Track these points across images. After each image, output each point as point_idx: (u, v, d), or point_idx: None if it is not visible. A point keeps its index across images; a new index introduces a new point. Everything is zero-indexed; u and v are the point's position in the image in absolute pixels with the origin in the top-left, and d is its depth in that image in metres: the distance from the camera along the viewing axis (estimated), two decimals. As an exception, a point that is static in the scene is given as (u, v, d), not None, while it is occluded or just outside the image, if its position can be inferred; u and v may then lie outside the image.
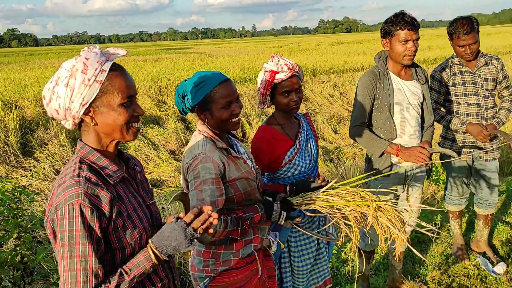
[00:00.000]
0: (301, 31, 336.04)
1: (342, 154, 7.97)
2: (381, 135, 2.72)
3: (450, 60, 3.22)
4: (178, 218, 1.29)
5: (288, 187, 2.23)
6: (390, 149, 2.63)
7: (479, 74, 3.14)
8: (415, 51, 2.60)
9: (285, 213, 1.96)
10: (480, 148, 3.20)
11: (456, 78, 3.15)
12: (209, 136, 1.85)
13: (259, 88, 2.25)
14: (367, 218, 1.93)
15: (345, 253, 3.81)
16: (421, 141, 2.78)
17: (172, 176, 7.15)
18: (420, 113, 2.78)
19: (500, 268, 3.29)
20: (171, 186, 6.88)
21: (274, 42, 67.14)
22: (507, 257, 3.49)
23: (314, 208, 2.01)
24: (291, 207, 2.01)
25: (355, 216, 1.94)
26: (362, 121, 2.71)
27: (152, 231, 1.39)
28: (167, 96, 13.36)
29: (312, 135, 2.46)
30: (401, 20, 2.55)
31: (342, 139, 9.01)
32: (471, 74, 3.14)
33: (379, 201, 1.93)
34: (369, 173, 2.69)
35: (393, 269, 3.22)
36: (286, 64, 2.18)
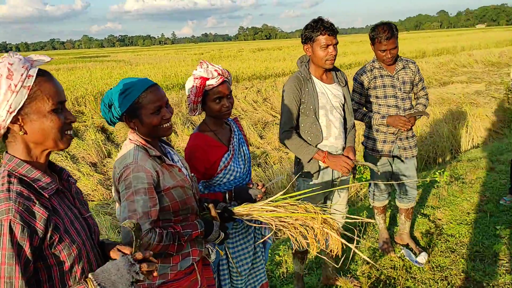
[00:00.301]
0: (222, 38, 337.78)
1: (269, 158, 8.10)
2: (308, 138, 2.78)
3: (371, 63, 3.38)
4: (124, 253, 1.23)
5: (227, 194, 2.20)
6: (317, 155, 2.72)
7: (398, 77, 3.33)
8: (335, 55, 2.70)
9: (223, 234, 1.93)
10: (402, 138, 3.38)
11: (376, 81, 3.32)
12: (140, 144, 1.77)
13: (189, 95, 2.20)
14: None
15: (278, 255, 3.86)
16: (345, 141, 2.90)
17: (95, 189, 6.81)
18: (343, 114, 2.89)
19: (423, 258, 3.50)
20: (93, 200, 6.54)
21: (195, 49, 66.83)
22: (427, 247, 3.74)
23: (256, 219, 2.00)
24: (232, 217, 1.98)
25: (298, 228, 1.94)
26: (290, 126, 2.76)
27: (91, 245, 1.31)
28: (85, 106, 12.76)
29: (244, 140, 2.46)
30: (321, 26, 2.64)
31: (268, 144, 9.15)
32: (391, 77, 3.32)
33: (323, 214, 1.96)
34: (315, 188, 2.78)
35: (326, 267, 3.31)
36: (216, 70, 2.16)
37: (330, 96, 2.81)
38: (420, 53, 27.92)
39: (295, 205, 2.00)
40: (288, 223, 1.97)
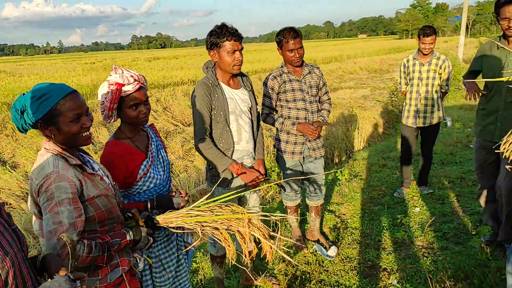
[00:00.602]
0: (114, 47, 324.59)
1: (174, 167, 7.99)
2: (221, 144, 2.83)
3: (280, 68, 3.53)
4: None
5: (149, 204, 2.15)
6: (231, 167, 2.78)
7: (305, 82, 3.51)
8: (242, 61, 2.78)
9: (151, 239, 1.89)
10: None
11: (286, 85, 3.47)
12: (58, 153, 1.66)
13: (103, 102, 2.11)
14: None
15: (195, 262, 3.84)
16: (255, 145, 3.00)
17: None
18: (251, 118, 2.98)
19: (333, 251, 3.73)
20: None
21: (85, 58, 63.48)
22: (336, 240, 3.98)
23: (181, 226, 1.97)
24: (156, 225, 1.94)
25: (223, 233, 1.96)
26: (205, 133, 2.77)
27: (22, 257, 1.22)
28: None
29: (162, 145, 2.42)
30: (226, 32, 2.68)
31: (172, 153, 9.03)
32: (299, 82, 3.49)
33: (249, 213, 2.00)
34: (242, 189, 2.79)
35: (243, 268, 3.36)
36: (132, 76, 2.10)
37: (238, 101, 2.87)
38: (311, 61, 29.65)
39: (220, 207, 2.02)
40: (214, 227, 1.98)
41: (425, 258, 3.44)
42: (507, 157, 1.82)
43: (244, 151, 2.93)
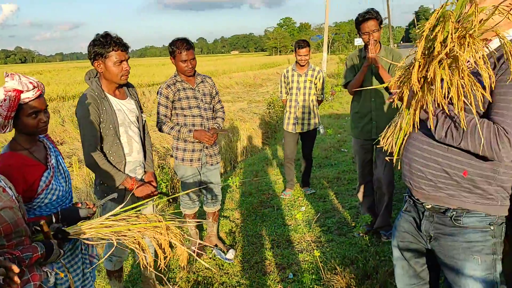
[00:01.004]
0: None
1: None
2: (111, 158, 2.79)
3: (173, 78, 3.60)
4: None
5: (53, 217, 2.04)
6: (126, 182, 2.76)
7: (199, 90, 3.63)
8: (129, 70, 2.80)
9: (62, 252, 1.82)
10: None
11: (180, 94, 3.55)
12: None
13: None
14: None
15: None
16: (145, 154, 3.02)
17: None
18: (139, 127, 3.00)
19: (231, 254, 3.86)
20: None
21: None
22: (233, 244, 4.13)
23: (95, 236, 1.93)
24: (67, 237, 1.87)
25: (141, 242, 1.96)
26: (96, 148, 2.70)
27: None
28: None
29: (61, 156, 2.33)
30: (112, 42, 2.64)
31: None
32: (192, 90, 3.60)
33: (167, 221, 2.02)
34: (160, 193, 2.74)
35: (146, 279, 3.32)
36: (31, 83, 2.00)
37: (126, 112, 2.87)
38: (188, 76, 29.74)
39: (136, 216, 2.02)
40: (130, 236, 1.97)
41: (315, 250, 3.77)
42: (385, 150, 2.12)
43: (136, 162, 2.93)
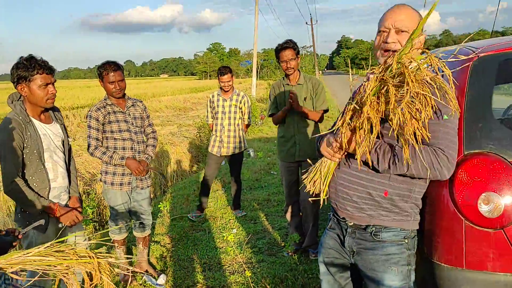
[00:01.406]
0: None
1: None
2: (34, 184, 2.69)
3: (103, 101, 3.54)
4: None
5: None
6: (49, 208, 2.67)
7: (129, 113, 3.61)
8: (55, 94, 2.73)
9: None
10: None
11: (111, 117, 3.50)
12: None
13: None
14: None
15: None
16: (70, 179, 2.95)
17: None
18: (64, 152, 2.93)
19: (162, 279, 3.80)
20: None
21: None
22: (164, 269, 4.06)
23: (23, 269, 1.83)
24: None
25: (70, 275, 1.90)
26: (16, 175, 2.58)
27: None
28: None
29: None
30: (36, 65, 2.59)
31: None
32: (123, 113, 3.57)
33: (99, 258, 1.97)
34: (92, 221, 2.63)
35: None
36: None
37: (52, 136, 2.79)
38: (115, 99, 28.99)
39: (65, 250, 1.95)
40: (58, 269, 1.90)
41: (246, 271, 3.81)
42: (308, 189, 2.10)
43: (61, 188, 2.85)
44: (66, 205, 2.87)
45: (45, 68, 2.62)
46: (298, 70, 4.04)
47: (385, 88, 1.57)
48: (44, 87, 2.62)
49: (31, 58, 2.61)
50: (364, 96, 1.62)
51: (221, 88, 5.28)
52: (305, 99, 3.98)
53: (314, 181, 1.99)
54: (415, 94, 1.53)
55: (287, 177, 4.16)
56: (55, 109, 2.92)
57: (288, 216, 4.29)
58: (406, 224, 1.89)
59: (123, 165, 3.51)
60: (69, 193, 2.94)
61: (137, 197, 3.70)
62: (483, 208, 1.76)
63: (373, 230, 1.91)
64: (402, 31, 1.79)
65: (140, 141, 3.65)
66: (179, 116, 21.67)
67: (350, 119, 1.71)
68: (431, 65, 1.56)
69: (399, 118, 1.56)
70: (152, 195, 8.09)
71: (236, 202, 5.56)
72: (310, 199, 2.02)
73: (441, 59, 1.56)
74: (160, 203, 5.47)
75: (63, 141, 2.89)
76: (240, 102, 5.30)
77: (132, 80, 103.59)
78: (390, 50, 1.82)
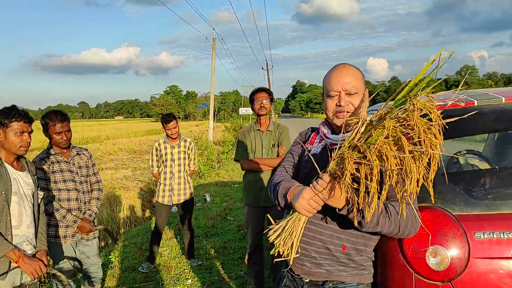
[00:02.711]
0: None
1: None
2: None
3: (46, 151, 3.44)
4: None
5: None
6: (12, 254, 2.54)
7: (74, 163, 3.52)
8: (30, 142, 2.76)
9: None
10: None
11: (54, 167, 3.40)
12: None
13: None
14: None
15: None
16: (36, 230, 2.81)
17: None
18: (33, 203, 2.83)
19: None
20: None
21: None
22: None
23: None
24: None
25: None
26: None
27: None
28: None
29: None
30: (16, 113, 2.69)
31: None
32: (67, 163, 3.47)
33: None
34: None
35: None
36: None
37: (22, 183, 2.74)
38: (67, 142, 28.14)
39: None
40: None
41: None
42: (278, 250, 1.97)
43: (24, 237, 2.72)
44: (33, 256, 2.73)
45: (24, 117, 2.72)
46: (269, 118, 4.13)
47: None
48: (19, 135, 2.68)
49: (13, 107, 2.73)
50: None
51: (167, 135, 5.18)
52: (273, 145, 4.06)
53: (284, 241, 1.79)
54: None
55: (253, 223, 4.10)
56: (29, 162, 2.91)
57: (248, 263, 4.19)
58: (363, 278, 1.90)
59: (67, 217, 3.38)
60: (34, 245, 2.79)
61: (84, 249, 3.53)
62: (431, 261, 1.81)
63: (330, 286, 1.90)
64: (351, 93, 1.86)
65: (86, 191, 3.55)
66: (133, 159, 21.22)
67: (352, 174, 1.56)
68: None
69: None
70: (103, 243, 7.76)
71: (190, 251, 5.40)
72: (276, 260, 1.82)
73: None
74: (112, 253, 5.25)
75: (33, 193, 2.80)
76: (188, 148, 5.26)
77: (86, 122, 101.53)
78: (343, 112, 1.85)
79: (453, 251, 1.79)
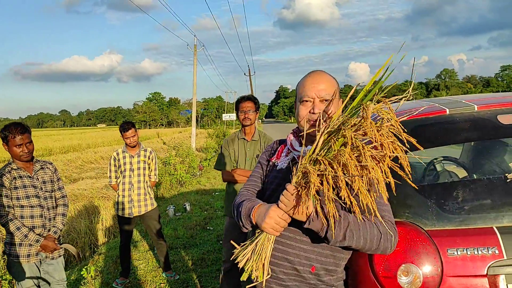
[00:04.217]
0: None
1: None
2: None
3: (8, 166, 3.27)
4: None
5: None
6: None
7: (37, 178, 3.34)
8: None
9: None
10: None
11: (17, 182, 3.22)
12: None
13: None
14: None
15: None
16: None
17: None
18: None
19: None
20: None
21: None
22: None
23: None
24: None
25: None
26: None
27: None
28: None
29: None
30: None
31: None
32: (30, 178, 3.29)
33: None
34: None
35: None
36: None
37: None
38: (47, 151, 27.64)
39: None
40: None
41: None
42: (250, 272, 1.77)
43: None
44: None
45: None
46: (255, 127, 4.02)
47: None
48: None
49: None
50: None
51: (126, 144, 4.95)
52: (257, 156, 3.95)
53: (256, 264, 1.68)
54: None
55: (234, 235, 3.91)
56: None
57: (222, 276, 4.03)
58: None
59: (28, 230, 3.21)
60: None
61: (48, 269, 3.36)
62: (403, 280, 1.71)
63: None
64: (326, 100, 1.78)
65: (50, 207, 3.38)
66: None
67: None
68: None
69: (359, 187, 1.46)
70: (81, 255, 7.53)
71: (166, 263, 5.20)
72: (248, 286, 1.75)
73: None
74: (84, 268, 5.06)
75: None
76: (149, 158, 5.04)
77: (67, 131, 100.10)
78: (316, 120, 1.77)
79: (425, 269, 1.70)
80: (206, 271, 5.28)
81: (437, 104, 2.16)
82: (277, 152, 2.04)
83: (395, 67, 1.58)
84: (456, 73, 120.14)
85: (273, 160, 2.02)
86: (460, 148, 3.51)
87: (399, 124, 1.49)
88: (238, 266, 1.74)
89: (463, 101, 2.18)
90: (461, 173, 3.01)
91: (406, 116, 2.01)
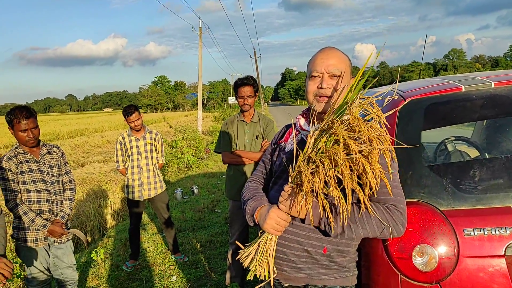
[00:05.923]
0: None
1: None
2: None
3: (14, 150, 3.24)
4: None
5: None
6: None
7: (44, 162, 3.31)
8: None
9: None
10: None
11: (23, 166, 3.20)
12: None
13: None
14: None
15: None
16: None
17: None
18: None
19: None
20: None
21: None
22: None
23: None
24: None
25: None
26: None
27: None
28: None
29: None
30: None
31: None
32: (37, 162, 3.27)
33: None
34: None
35: None
36: None
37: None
38: (54, 135, 27.77)
39: None
40: None
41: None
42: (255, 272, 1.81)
43: None
44: None
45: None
46: (253, 108, 3.97)
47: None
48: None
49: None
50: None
51: (131, 128, 4.91)
52: (256, 137, 3.90)
53: (260, 264, 1.72)
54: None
55: (240, 218, 3.91)
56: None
57: (230, 258, 4.04)
58: (346, 281, 1.77)
59: (35, 216, 3.20)
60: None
61: (57, 252, 3.36)
62: (418, 261, 1.67)
63: None
64: (334, 76, 1.74)
65: (57, 192, 3.36)
66: (122, 152, 20.95)
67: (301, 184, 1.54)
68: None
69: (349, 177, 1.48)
70: (89, 239, 7.58)
71: (174, 246, 5.23)
72: (257, 287, 1.76)
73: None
74: (94, 251, 5.08)
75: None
76: (155, 140, 5.01)
77: (74, 115, 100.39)
78: (324, 95, 1.74)
79: (441, 250, 1.66)
80: (214, 253, 5.30)
81: (452, 81, 2.09)
82: (285, 135, 2.02)
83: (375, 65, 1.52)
84: (464, 53, 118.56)
85: (281, 143, 2.00)
86: (469, 128, 3.44)
87: (383, 120, 1.54)
88: (244, 265, 1.78)
89: (479, 77, 2.10)
90: (473, 153, 2.94)
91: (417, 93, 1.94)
